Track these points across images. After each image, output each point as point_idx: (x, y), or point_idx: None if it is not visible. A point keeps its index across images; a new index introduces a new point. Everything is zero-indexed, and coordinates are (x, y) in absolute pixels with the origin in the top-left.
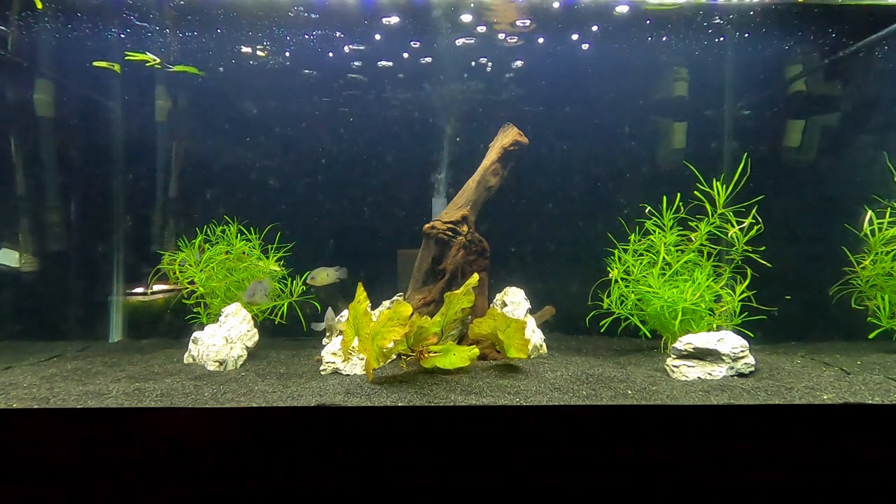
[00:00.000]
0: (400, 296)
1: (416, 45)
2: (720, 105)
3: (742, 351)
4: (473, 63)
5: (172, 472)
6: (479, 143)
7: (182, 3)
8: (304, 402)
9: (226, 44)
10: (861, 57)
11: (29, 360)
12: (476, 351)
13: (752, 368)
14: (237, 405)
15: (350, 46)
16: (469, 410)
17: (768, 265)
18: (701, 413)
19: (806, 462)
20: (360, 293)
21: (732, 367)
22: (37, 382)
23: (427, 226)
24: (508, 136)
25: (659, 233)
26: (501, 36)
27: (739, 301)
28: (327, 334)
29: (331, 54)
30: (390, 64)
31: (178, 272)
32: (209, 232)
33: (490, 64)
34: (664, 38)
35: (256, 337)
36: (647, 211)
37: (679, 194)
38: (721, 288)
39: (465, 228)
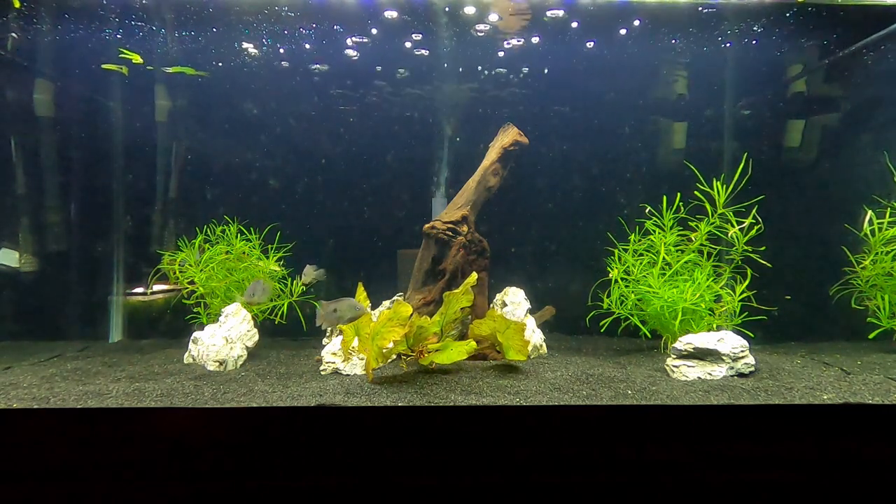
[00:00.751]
0: (400, 296)
1: (417, 46)
2: (720, 105)
3: (742, 351)
4: (473, 63)
5: (172, 472)
6: (479, 143)
7: (182, 2)
8: (304, 402)
9: (225, 43)
10: (861, 57)
11: (29, 360)
12: (473, 344)
13: (752, 368)
14: (237, 405)
15: (353, 38)
16: (469, 410)
17: (768, 265)
18: (701, 413)
19: (806, 462)
20: (360, 293)
21: (732, 367)
22: (37, 382)
23: (427, 226)
24: (508, 136)
25: (659, 233)
26: (501, 36)
27: (739, 301)
28: (327, 333)
29: (331, 53)
30: (380, 69)
31: (178, 272)
32: (209, 232)
33: (490, 64)
34: (664, 38)
35: (256, 337)
36: (647, 211)
37: (679, 194)
38: (721, 288)
39: (465, 228)
